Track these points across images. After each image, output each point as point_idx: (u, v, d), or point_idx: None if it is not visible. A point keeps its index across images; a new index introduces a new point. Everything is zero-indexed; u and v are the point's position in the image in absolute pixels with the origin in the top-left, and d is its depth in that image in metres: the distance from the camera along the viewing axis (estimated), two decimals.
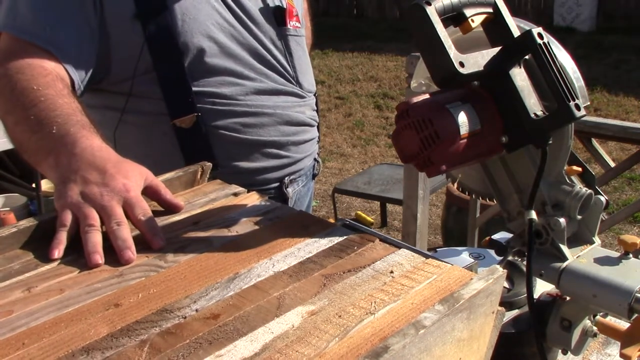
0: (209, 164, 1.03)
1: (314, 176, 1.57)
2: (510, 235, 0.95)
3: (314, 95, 1.51)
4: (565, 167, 0.90)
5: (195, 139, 1.28)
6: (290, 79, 1.39)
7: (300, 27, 1.44)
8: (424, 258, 0.78)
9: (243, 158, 1.33)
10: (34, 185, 3.61)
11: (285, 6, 1.39)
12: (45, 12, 1.15)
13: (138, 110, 1.28)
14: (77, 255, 0.80)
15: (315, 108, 1.50)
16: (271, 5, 1.37)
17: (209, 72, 1.27)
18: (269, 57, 1.35)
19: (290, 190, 1.43)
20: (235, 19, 1.30)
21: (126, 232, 0.81)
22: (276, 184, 1.40)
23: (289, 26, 1.39)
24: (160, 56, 1.23)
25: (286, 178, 1.42)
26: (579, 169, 0.92)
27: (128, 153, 1.30)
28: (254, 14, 1.33)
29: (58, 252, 0.79)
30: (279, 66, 1.36)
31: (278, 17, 1.37)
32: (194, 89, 1.25)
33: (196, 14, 1.24)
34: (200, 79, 1.26)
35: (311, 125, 1.47)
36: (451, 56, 0.79)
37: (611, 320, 0.92)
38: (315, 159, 1.55)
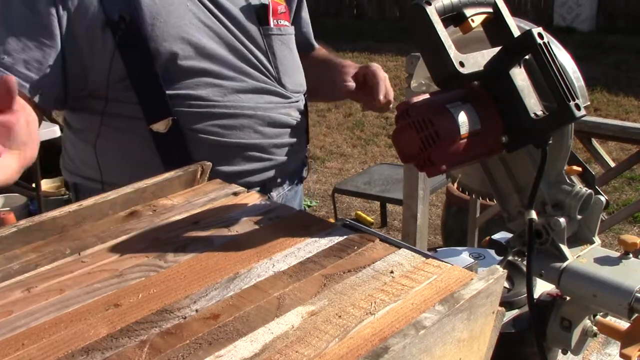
0: (209, 164, 1.03)
1: (301, 180, 1.52)
2: (510, 235, 0.95)
3: (304, 95, 1.47)
4: (565, 167, 0.90)
5: (172, 143, 1.26)
6: (272, 78, 1.36)
7: (288, 26, 1.41)
8: (424, 258, 0.78)
9: (223, 161, 1.30)
10: (34, 185, 3.61)
11: (268, 3, 1.35)
12: (4, 40, 1.14)
13: (116, 114, 1.27)
14: (77, 255, 0.80)
15: (303, 110, 1.46)
16: (254, 3, 1.34)
17: (184, 74, 1.24)
18: (249, 55, 1.32)
19: (274, 194, 1.40)
20: (213, 17, 1.28)
21: None
22: (258, 188, 1.36)
23: (271, 25, 1.36)
24: (132, 63, 1.21)
25: (269, 182, 1.38)
26: (579, 169, 0.92)
27: (109, 157, 1.30)
28: (233, 12, 1.30)
29: None
30: (260, 65, 1.33)
31: (261, 15, 1.34)
32: (168, 92, 1.23)
33: (167, 17, 1.22)
34: (176, 82, 1.24)
35: (297, 128, 1.42)
36: (451, 56, 0.79)
37: (611, 320, 0.92)
38: (303, 163, 1.51)
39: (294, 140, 1.41)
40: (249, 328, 0.64)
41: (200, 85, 1.26)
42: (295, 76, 1.43)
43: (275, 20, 1.37)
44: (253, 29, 1.33)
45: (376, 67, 1.45)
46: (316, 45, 1.66)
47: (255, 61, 1.33)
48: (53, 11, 1.17)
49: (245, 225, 0.88)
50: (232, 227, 0.87)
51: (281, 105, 1.37)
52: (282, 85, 1.38)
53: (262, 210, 0.92)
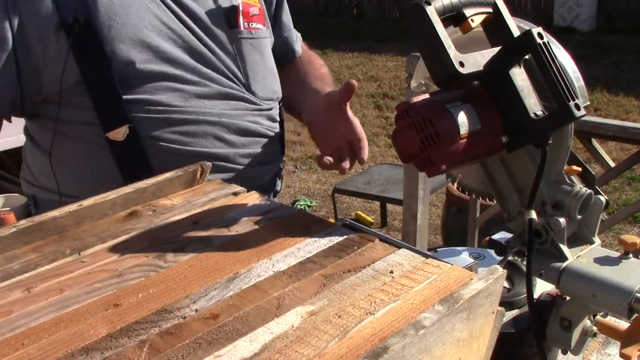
0: (209, 164, 1.03)
1: (275, 194, 1.45)
2: (510, 235, 0.95)
3: (279, 103, 1.40)
4: (565, 167, 0.90)
5: (130, 152, 1.19)
6: (240, 84, 1.29)
7: (261, 29, 1.35)
8: (424, 258, 0.78)
9: None
10: None
11: (238, 5, 1.29)
12: None
13: (70, 121, 1.21)
14: (77, 255, 0.80)
15: (277, 119, 1.38)
16: (224, 6, 1.28)
17: (142, 78, 1.19)
18: (215, 60, 1.26)
19: None
20: (177, 20, 1.22)
21: None
22: None
23: (241, 28, 1.30)
24: (87, 66, 1.16)
25: None
26: (579, 169, 0.92)
27: (64, 167, 1.24)
28: (199, 14, 1.25)
29: None
30: (227, 71, 1.27)
31: (231, 18, 1.28)
32: (126, 97, 1.17)
33: (126, 18, 1.17)
34: (133, 87, 1.18)
35: (268, 137, 1.34)
36: (451, 56, 0.79)
37: (611, 320, 0.92)
38: (277, 175, 1.43)
39: (265, 150, 1.34)
40: (248, 328, 0.64)
41: (160, 89, 1.20)
42: (267, 82, 1.36)
43: (245, 23, 1.31)
44: (220, 32, 1.27)
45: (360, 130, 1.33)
46: (299, 51, 1.55)
47: (221, 66, 1.27)
48: (4, 14, 1.13)
49: (245, 225, 0.88)
50: (232, 227, 0.87)
51: (249, 112, 1.30)
52: (252, 92, 1.31)
53: (262, 210, 0.92)
